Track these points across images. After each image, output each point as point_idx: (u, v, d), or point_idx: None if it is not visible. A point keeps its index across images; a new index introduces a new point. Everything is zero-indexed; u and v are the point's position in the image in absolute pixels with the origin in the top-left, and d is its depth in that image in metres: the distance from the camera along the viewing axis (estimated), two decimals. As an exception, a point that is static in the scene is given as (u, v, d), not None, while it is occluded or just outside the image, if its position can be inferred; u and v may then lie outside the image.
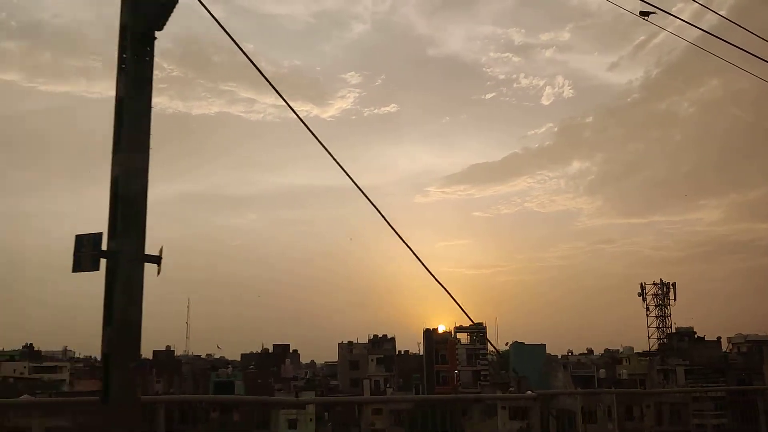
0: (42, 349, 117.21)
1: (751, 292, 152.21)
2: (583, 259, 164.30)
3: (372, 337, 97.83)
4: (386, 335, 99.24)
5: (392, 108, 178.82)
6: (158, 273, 5.01)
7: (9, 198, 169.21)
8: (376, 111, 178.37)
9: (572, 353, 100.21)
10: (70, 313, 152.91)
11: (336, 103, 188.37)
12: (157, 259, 5.08)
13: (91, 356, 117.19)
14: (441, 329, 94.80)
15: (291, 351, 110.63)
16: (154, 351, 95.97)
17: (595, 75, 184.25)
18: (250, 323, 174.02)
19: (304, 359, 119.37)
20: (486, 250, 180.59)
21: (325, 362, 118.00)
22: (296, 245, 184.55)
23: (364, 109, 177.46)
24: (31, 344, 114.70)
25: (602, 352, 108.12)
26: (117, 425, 4.47)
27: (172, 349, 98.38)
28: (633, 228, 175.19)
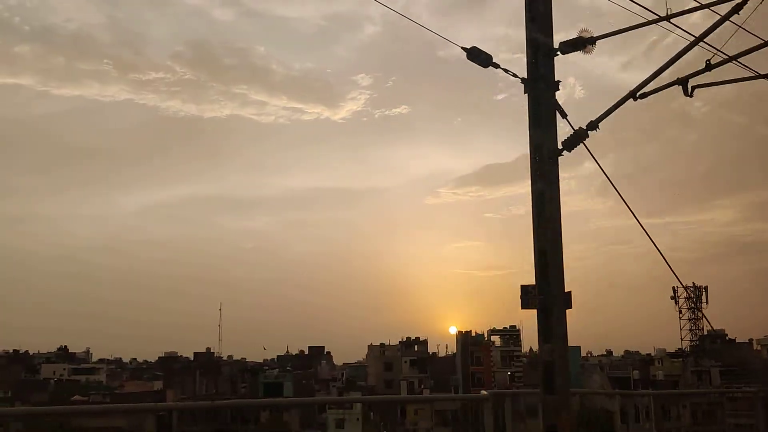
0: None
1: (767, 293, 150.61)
2: (597, 260, 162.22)
3: (405, 339, 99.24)
4: (418, 337, 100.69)
5: (403, 109, 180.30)
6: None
7: (23, 201, 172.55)
8: (387, 112, 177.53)
9: (591, 354, 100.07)
10: (96, 316, 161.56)
11: (347, 105, 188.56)
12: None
13: (119, 358, 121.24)
14: (452, 331, 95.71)
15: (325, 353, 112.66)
16: (195, 353, 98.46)
17: (607, 75, 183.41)
18: (265, 326, 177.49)
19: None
20: (498, 251, 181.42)
21: (344, 363, 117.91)
22: (307, 247, 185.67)
23: (375, 111, 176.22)
24: (65, 346, 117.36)
25: (622, 353, 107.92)
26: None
27: (212, 350, 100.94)
28: (649, 228, 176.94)
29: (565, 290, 7.08)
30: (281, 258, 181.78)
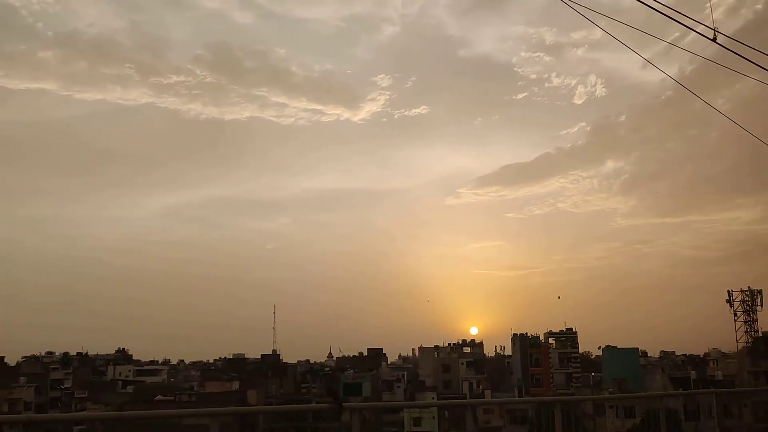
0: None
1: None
2: (620, 259, 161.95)
3: (460, 341, 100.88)
4: (473, 340, 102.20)
5: (423, 110, 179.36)
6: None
7: (48, 204, 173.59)
8: (406, 113, 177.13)
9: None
10: (122, 316, 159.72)
11: (367, 105, 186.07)
12: None
13: (170, 359, 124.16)
14: (473, 332, 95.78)
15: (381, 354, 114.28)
16: (262, 354, 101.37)
17: (628, 73, 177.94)
18: (287, 326, 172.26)
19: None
20: (519, 251, 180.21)
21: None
22: (327, 248, 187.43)
23: (394, 112, 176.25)
24: (123, 348, 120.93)
25: (658, 354, 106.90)
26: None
27: (278, 352, 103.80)
28: (669, 227, 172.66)
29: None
30: (301, 258, 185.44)
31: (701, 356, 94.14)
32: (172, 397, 59.16)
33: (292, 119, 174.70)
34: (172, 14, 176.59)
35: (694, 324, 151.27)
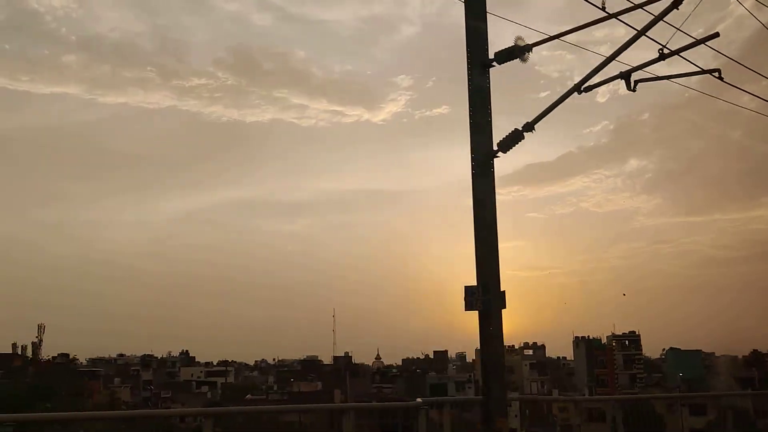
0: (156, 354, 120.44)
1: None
2: (643, 259, 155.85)
3: (523, 344, 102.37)
4: (536, 342, 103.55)
5: (444, 110, 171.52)
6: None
7: (70, 207, 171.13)
8: (427, 113, 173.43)
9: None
10: (142, 319, 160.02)
11: (387, 106, 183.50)
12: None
13: (229, 360, 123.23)
14: None
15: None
16: (334, 357, 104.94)
17: (652, 71, 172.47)
18: (307, 327, 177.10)
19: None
20: (541, 251, 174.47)
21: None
22: (348, 250, 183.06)
23: (415, 112, 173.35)
24: (187, 351, 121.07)
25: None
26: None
27: (350, 354, 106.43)
28: (693, 227, 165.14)
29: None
30: (322, 260, 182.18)
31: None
32: (264, 396, 62.50)
33: (313, 121, 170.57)
34: (193, 18, 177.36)
35: (723, 323, 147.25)
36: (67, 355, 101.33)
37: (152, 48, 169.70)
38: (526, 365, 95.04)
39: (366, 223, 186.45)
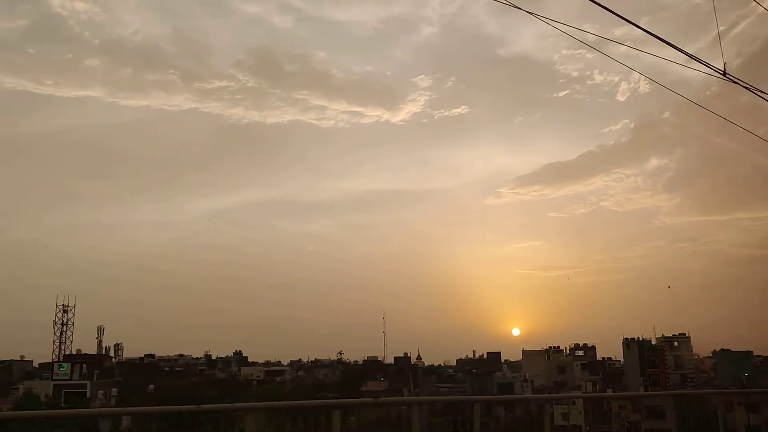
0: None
1: None
2: (664, 258, 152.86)
3: (574, 345, 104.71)
4: (586, 344, 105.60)
5: (463, 110, 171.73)
6: None
7: (93, 209, 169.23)
8: (446, 113, 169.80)
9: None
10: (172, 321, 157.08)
11: (407, 106, 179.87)
12: None
13: (279, 361, 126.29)
14: (515, 333, 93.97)
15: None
16: (395, 357, 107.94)
17: (673, 69, 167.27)
18: (327, 327, 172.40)
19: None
20: (561, 251, 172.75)
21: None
22: (368, 250, 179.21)
23: (434, 112, 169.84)
24: (240, 351, 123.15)
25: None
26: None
27: (408, 355, 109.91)
28: (715, 225, 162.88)
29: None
30: (341, 260, 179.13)
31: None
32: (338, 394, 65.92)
33: (332, 121, 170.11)
34: (214, 20, 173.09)
35: (756, 323, 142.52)
36: (153, 355, 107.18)
37: (174, 51, 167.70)
38: (577, 365, 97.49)
39: (386, 222, 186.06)
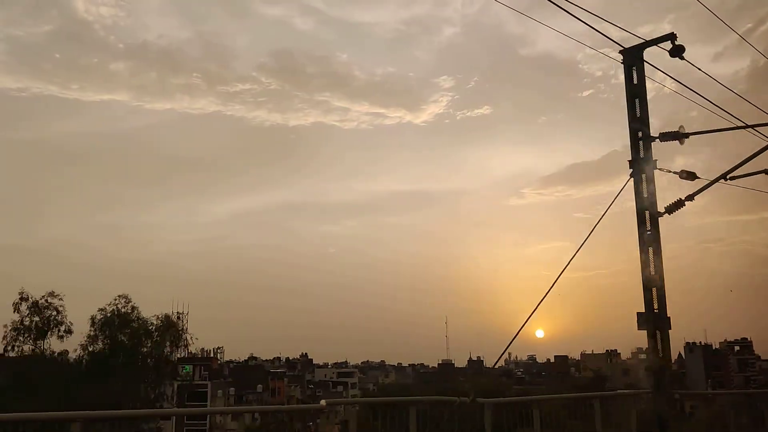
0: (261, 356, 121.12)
1: None
2: (692, 258, 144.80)
3: (637, 348, 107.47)
4: (642, 348, 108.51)
5: (486, 110, 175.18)
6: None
7: (119, 211, 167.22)
8: (469, 114, 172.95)
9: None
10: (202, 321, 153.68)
11: (429, 107, 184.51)
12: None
13: (345, 361, 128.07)
14: (539, 335, 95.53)
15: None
16: (468, 360, 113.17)
17: (699, 66, 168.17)
18: (351, 331, 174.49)
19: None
20: (586, 252, 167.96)
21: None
22: (390, 251, 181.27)
23: (457, 113, 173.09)
24: (306, 353, 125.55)
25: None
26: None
27: (481, 359, 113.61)
28: (743, 225, 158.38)
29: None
30: (365, 261, 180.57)
31: None
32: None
33: (355, 123, 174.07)
34: (237, 24, 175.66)
35: None
36: (256, 357, 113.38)
37: (198, 54, 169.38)
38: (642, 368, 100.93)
39: (409, 223, 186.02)
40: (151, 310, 48.25)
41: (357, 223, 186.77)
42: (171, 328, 46.03)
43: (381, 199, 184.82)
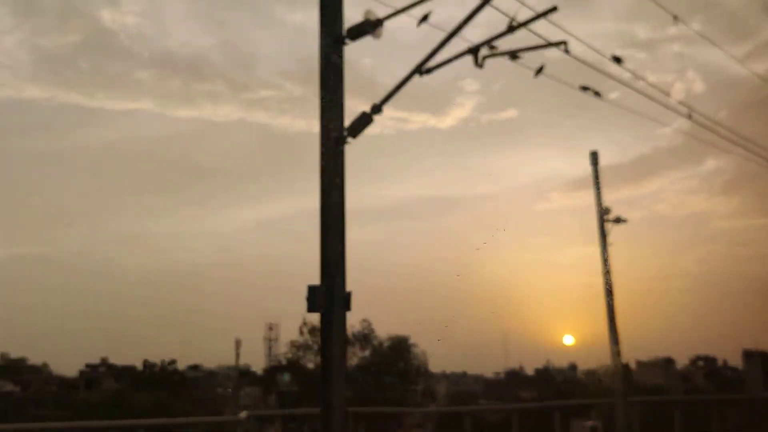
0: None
1: None
2: (722, 263, 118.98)
3: (695, 356, 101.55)
4: (708, 355, 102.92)
5: (512, 113, 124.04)
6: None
7: (143, 220, 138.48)
8: (495, 117, 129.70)
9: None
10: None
11: (454, 111, 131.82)
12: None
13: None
14: (568, 341, 69.04)
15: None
16: (536, 369, 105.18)
17: (729, 67, 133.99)
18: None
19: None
20: (614, 256, 37.03)
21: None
22: (416, 257, 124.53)
23: (482, 116, 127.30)
24: None
25: None
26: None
27: (549, 367, 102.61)
28: None
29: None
30: (387, 268, 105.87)
31: None
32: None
33: (378, 128, 54.98)
34: (260, 30, 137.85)
35: None
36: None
37: (221, 62, 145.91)
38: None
39: (433, 229, 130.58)
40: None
41: (380, 229, 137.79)
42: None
43: (405, 205, 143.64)
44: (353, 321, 56.95)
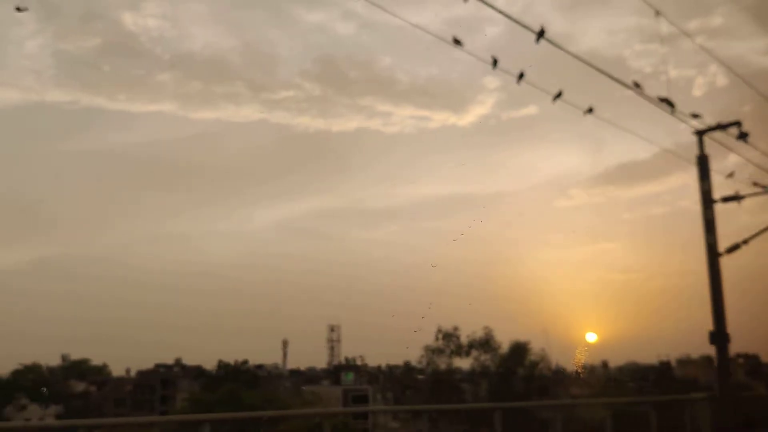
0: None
1: None
2: (749, 258, 36.98)
3: (736, 354, 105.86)
4: (747, 352, 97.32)
5: (532, 110, 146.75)
6: None
7: (165, 220, 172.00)
8: (514, 114, 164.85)
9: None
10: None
11: (474, 109, 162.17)
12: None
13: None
14: (591, 338, 69.36)
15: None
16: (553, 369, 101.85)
17: (752, 60, 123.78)
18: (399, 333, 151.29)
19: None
20: (636, 253, 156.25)
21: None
22: (437, 255, 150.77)
23: (502, 113, 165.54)
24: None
25: None
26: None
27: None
28: None
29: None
30: (409, 266, 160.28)
31: None
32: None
33: (398, 127, 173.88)
34: (279, 31, 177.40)
35: None
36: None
37: (241, 63, 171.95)
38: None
39: (454, 227, 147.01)
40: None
41: (402, 228, 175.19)
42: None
43: (425, 203, 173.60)
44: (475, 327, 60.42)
